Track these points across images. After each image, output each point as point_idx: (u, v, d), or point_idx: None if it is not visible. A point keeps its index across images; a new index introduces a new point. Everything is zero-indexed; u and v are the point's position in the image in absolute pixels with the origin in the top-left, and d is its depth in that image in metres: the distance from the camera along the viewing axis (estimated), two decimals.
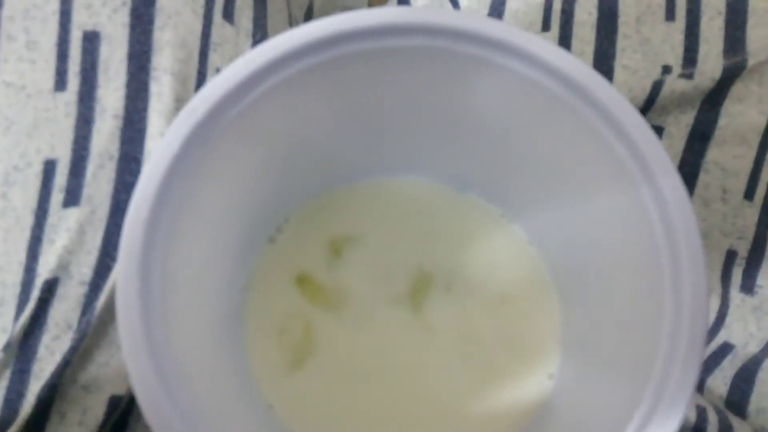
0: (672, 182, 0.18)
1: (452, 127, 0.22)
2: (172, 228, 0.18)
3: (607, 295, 0.21)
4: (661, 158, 0.18)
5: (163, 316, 0.17)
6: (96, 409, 0.21)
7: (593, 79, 0.18)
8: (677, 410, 0.17)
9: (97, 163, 0.23)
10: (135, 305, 0.17)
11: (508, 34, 0.19)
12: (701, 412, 0.23)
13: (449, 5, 0.30)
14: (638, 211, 0.18)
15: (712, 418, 0.23)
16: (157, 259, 0.18)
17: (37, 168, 0.23)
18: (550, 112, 0.19)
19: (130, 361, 0.17)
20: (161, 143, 0.18)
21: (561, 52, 0.19)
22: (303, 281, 0.24)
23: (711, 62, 0.26)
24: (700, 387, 0.25)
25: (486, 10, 0.28)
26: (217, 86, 0.18)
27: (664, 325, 0.17)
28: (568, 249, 0.23)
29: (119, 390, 0.22)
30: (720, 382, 0.25)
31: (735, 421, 0.23)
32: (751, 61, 0.26)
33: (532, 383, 0.23)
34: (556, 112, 0.19)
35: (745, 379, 0.24)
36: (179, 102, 0.24)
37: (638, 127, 0.18)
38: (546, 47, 0.19)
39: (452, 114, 0.22)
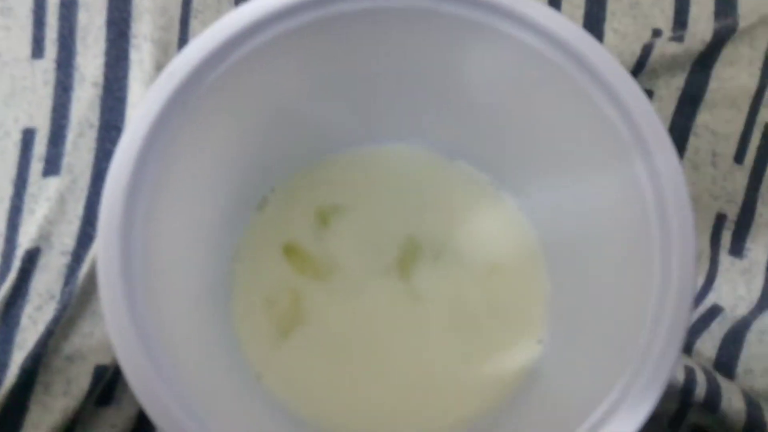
0: (666, 155, 0.18)
1: (442, 93, 0.22)
2: (154, 195, 0.18)
3: (597, 262, 0.21)
4: (656, 130, 0.18)
5: (147, 287, 0.17)
6: (81, 379, 0.21)
7: (592, 47, 0.18)
8: (662, 373, 0.17)
9: (77, 132, 0.23)
10: (116, 274, 0.17)
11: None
12: (690, 373, 0.23)
13: None
14: (631, 181, 0.18)
15: (701, 379, 0.23)
16: (138, 226, 0.17)
17: (16, 137, 0.22)
18: (546, 80, 0.19)
19: (113, 332, 0.17)
20: (140, 108, 0.18)
21: (558, 16, 0.18)
22: (290, 251, 0.23)
23: (701, 25, 0.26)
24: (689, 349, 0.25)
25: None
26: (196, 50, 0.18)
27: (651, 293, 0.17)
28: (559, 217, 0.23)
29: (104, 360, 0.22)
30: (709, 344, 0.25)
31: (723, 381, 0.23)
32: (742, 24, 0.26)
33: (522, 349, 0.23)
34: (551, 80, 0.19)
35: (733, 340, 0.24)
36: (160, 70, 0.23)
37: (636, 98, 0.18)
38: (544, 11, 0.18)
39: (443, 80, 0.22)
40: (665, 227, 0.18)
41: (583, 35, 0.18)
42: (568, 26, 0.18)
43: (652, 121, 0.18)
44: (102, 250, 0.17)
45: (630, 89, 0.18)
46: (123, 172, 0.17)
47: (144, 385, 0.16)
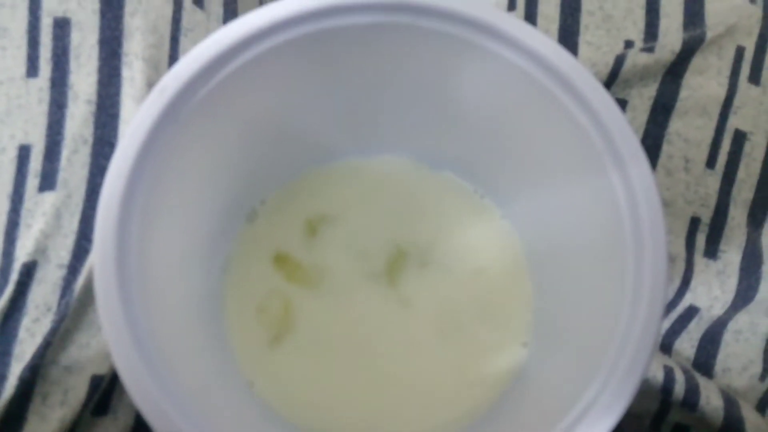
0: (640, 169, 0.18)
1: (428, 106, 0.23)
2: (148, 207, 0.18)
3: (576, 268, 0.22)
4: (629, 139, 0.19)
5: (142, 296, 0.18)
6: (78, 389, 0.22)
7: (567, 62, 0.19)
8: (636, 370, 0.18)
9: (72, 148, 0.23)
10: (113, 284, 0.17)
11: (493, 17, 0.19)
12: (669, 372, 0.24)
13: None
14: (606, 192, 0.19)
15: (679, 378, 0.24)
16: (132, 237, 0.18)
17: (12, 153, 0.23)
18: (525, 93, 0.20)
19: (111, 342, 0.17)
20: (133, 123, 0.18)
21: (536, 33, 0.19)
22: (281, 260, 0.24)
23: (671, 36, 0.27)
24: (669, 349, 0.25)
25: None
26: (186, 65, 0.19)
27: (625, 296, 0.18)
28: (540, 225, 0.24)
29: (100, 369, 0.22)
30: (687, 344, 0.25)
31: (701, 380, 0.24)
32: (709, 34, 0.27)
33: (507, 352, 0.23)
34: (530, 93, 0.20)
35: (711, 340, 0.25)
36: (151, 86, 0.23)
37: (609, 109, 0.19)
38: (522, 28, 0.19)
39: (428, 93, 0.22)
40: (638, 233, 0.18)
41: (559, 51, 0.19)
42: (545, 42, 0.19)
43: (624, 131, 0.19)
44: (98, 261, 0.17)
45: (603, 101, 0.19)
46: (117, 186, 0.18)
47: (142, 390, 0.17)
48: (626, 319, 0.18)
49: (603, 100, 0.19)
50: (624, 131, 0.19)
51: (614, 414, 0.17)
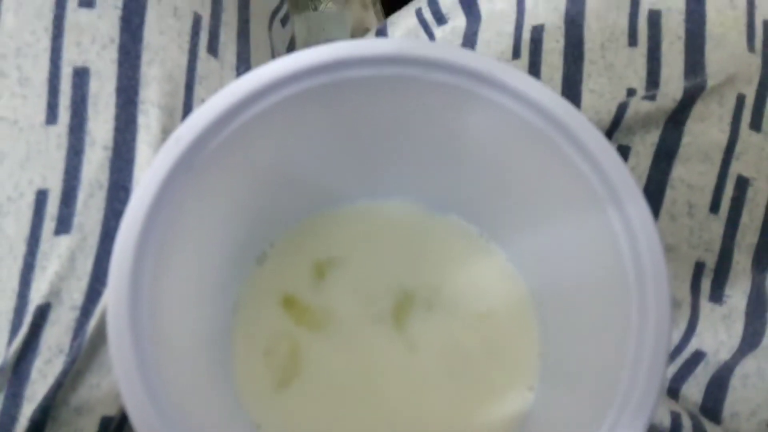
0: (639, 208, 0.19)
1: (434, 152, 0.23)
2: (161, 252, 0.19)
3: (580, 309, 0.22)
4: (629, 185, 0.19)
5: (153, 339, 0.18)
6: (87, 430, 0.22)
7: (570, 114, 0.19)
8: (644, 413, 0.17)
9: (88, 192, 0.23)
10: (125, 328, 0.18)
11: (495, 69, 0.20)
12: (676, 418, 0.24)
13: (424, 36, 0.31)
14: (607, 235, 0.19)
15: (687, 423, 0.24)
16: (145, 281, 0.18)
17: (30, 198, 0.23)
18: (530, 142, 0.20)
19: (122, 382, 0.17)
20: (148, 171, 0.19)
21: (537, 84, 0.20)
22: (289, 303, 0.24)
23: (673, 84, 0.27)
24: (676, 394, 0.25)
25: (459, 41, 0.30)
26: (201, 116, 0.19)
27: (630, 337, 0.18)
28: (545, 267, 0.24)
29: (110, 411, 0.22)
30: (695, 389, 0.25)
31: (709, 426, 0.24)
32: (710, 82, 0.27)
33: (514, 396, 0.23)
34: (535, 142, 0.20)
35: (718, 385, 0.25)
36: (166, 133, 0.24)
37: (609, 157, 0.19)
38: (523, 80, 0.20)
39: (434, 140, 0.23)
40: (640, 274, 0.18)
41: (560, 101, 0.19)
42: (546, 93, 0.20)
43: (624, 177, 0.19)
44: (112, 303, 0.18)
45: (603, 148, 0.19)
46: (132, 231, 0.18)
47: (148, 429, 0.17)
48: (631, 363, 0.18)
49: (603, 147, 0.19)
50: (621, 173, 0.19)
51: None
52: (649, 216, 0.19)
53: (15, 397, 0.21)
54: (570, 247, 0.22)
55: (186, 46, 0.26)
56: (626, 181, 0.19)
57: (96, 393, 0.22)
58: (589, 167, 0.19)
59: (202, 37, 0.26)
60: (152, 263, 0.18)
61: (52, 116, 0.24)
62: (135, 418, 0.17)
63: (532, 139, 0.20)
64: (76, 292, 0.23)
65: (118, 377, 0.17)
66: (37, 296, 0.22)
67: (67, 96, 0.24)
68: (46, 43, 0.25)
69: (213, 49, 0.26)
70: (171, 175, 0.19)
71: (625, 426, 0.17)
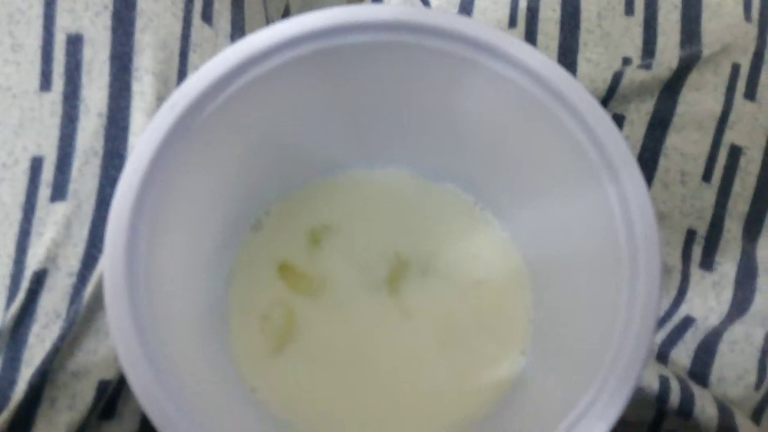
0: (633, 179, 0.19)
1: (430, 121, 0.23)
2: (156, 218, 0.19)
3: (573, 278, 0.22)
4: (624, 156, 0.19)
5: (150, 303, 0.18)
6: (85, 393, 0.22)
7: (569, 84, 0.19)
8: (630, 376, 0.18)
9: (83, 160, 0.23)
10: (122, 292, 0.18)
11: (493, 36, 0.20)
12: (664, 382, 0.24)
13: (419, 3, 0.31)
14: (602, 205, 0.19)
15: (675, 387, 0.24)
16: (141, 247, 0.18)
17: (25, 165, 0.23)
18: (527, 111, 0.20)
19: (120, 348, 0.17)
20: (143, 137, 0.19)
21: (535, 52, 0.20)
22: (285, 269, 0.24)
23: (668, 53, 0.27)
24: (665, 359, 0.26)
25: (455, 9, 0.29)
26: (196, 81, 0.19)
27: (621, 305, 0.19)
28: (539, 236, 0.24)
29: (107, 375, 0.22)
30: (683, 354, 0.25)
31: (696, 389, 0.24)
32: (705, 52, 0.27)
33: (506, 361, 0.23)
34: (532, 112, 0.20)
35: (706, 350, 0.25)
36: (161, 101, 0.24)
37: (607, 129, 0.19)
38: (528, 51, 0.20)
39: (430, 109, 0.23)
40: (633, 244, 0.19)
41: (556, 69, 0.19)
42: (543, 60, 0.20)
43: (619, 145, 0.19)
44: (108, 268, 0.18)
45: (598, 116, 0.19)
46: (127, 197, 0.18)
47: (149, 396, 0.17)
48: (621, 329, 0.18)
49: (598, 115, 0.19)
50: (619, 145, 0.19)
51: (607, 421, 0.17)
52: (644, 186, 0.19)
53: (13, 361, 0.22)
54: (565, 217, 0.22)
55: (180, 14, 0.25)
56: (622, 153, 0.19)
57: (93, 358, 0.22)
58: (586, 137, 0.19)
59: (197, 5, 0.26)
60: (148, 229, 0.19)
61: (46, 83, 0.24)
62: (134, 382, 0.17)
63: (530, 109, 0.20)
64: (72, 258, 0.23)
65: (116, 343, 0.17)
66: (33, 262, 0.22)
67: (60, 63, 0.24)
68: (38, 9, 0.24)
69: (207, 16, 0.26)
70: (166, 141, 0.19)
71: (611, 390, 0.18)
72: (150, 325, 0.18)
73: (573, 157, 0.20)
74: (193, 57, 0.25)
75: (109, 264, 0.18)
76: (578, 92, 0.19)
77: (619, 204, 0.19)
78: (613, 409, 0.18)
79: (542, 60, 0.20)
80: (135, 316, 0.18)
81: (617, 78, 0.27)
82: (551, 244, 0.23)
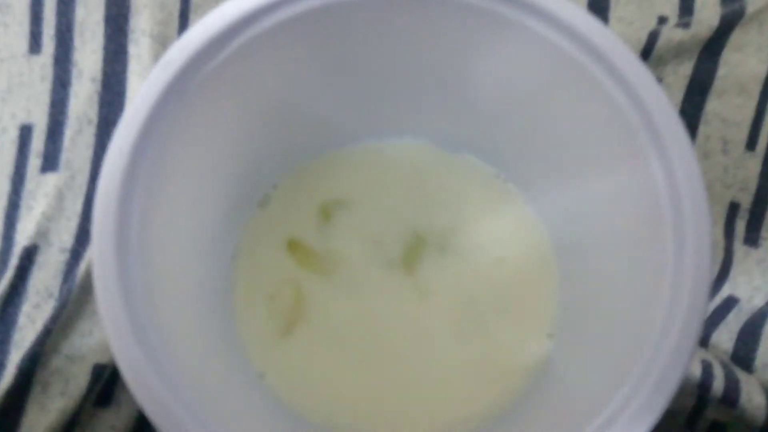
0: (681, 149, 0.17)
1: (448, 85, 0.22)
2: (151, 190, 0.18)
3: (608, 256, 0.21)
4: (671, 122, 0.17)
5: (145, 285, 0.17)
6: (79, 378, 0.21)
7: (607, 39, 0.18)
8: (677, 368, 0.17)
9: (75, 128, 0.23)
10: (112, 272, 0.17)
11: None
12: (707, 367, 0.23)
13: None
14: (643, 177, 0.18)
15: (719, 373, 0.23)
16: (134, 222, 0.17)
17: (13, 133, 0.22)
18: (558, 71, 0.19)
19: (111, 333, 0.16)
20: (136, 98, 0.17)
21: (577, 9, 0.18)
22: (293, 247, 0.23)
23: (708, 10, 0.26)
24: (706, 342, 0.25)
25: None
26: (193, 38, 0.18)
27: (664, 287, 0.17)
28: (567, 211, 0.23)
29: (103, 359, 0.22)
30: (725, 336, 0.24)
31: (742, 375, 0.23)
32: (750, 9, 0.26)
33: (530, 345, 0.23)
34: (564, 71, 0.19)
35: (751, 332, 0.24)
36: None
37: (651, 90, 0.18)
38: (563, 4, 0.18)
39: (449, 71, 0.21)
40: (679, 220, 0.17)
41: (592, 22, 0.18)
42: (576, 12, 0.18)
43: (663, 107, 0.18)
44: (97, 247, 0.17)
45: (639, 74, 0.18)
46: (118, 165, 0.17)
47: (142, 383, 0.16)
48: (665, 313, 0.17)
49: (639, 73, 0.18)
50: (663, 107, 0.18)
51: (652, 415, 0.16)
52: (692, 154, 0.17)
53: (2, 344, 0.21)
54: (598, 189, 0.21)
55: None
56: (667, 115, 0.18)
57: (88, 340, 0.22)
58: (625, 97, 0.18)
59: None
60: (142, 202, 0.18)
61: (35, 45, 0.23)
62: (125, 370, 0.16)
63: (561, 67, 0.19)
64: (65, 234, 0.22)
65: (107, 329, 0.16)
66: (23, 237, 0.22)
67: (51, 24, 0.23)
68: None
69: None
70: (161, 102, 0.18)
71: (655, 381, 0.17)
72: (144, 308, 0.17)
73: (609, 121, 0.19)
74: (193, 18, 0.24)
75: (97, 240, 0.17)
76: (616, 46, 0.18)
77: (663, 173, 0.18)
78: (658, 401, 0.16)
79: (574, 11, 0.18)
80: (127, 297, 0.17)
81: (652, 38, 0.25)
82: (582, 218, 0.22)
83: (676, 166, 0.17)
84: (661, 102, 0.18)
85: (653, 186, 0.18)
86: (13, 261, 0.21)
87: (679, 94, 0.26)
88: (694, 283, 0.17)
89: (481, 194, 0.24)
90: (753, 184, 0.26)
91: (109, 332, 0.16)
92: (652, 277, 0.18)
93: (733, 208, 0.26)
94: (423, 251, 0.23)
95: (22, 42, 0.23)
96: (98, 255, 0.17)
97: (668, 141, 0.17)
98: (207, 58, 0.18)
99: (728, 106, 0.26)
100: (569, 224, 0.23)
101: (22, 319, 0.21)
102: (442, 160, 0.24)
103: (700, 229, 0.17)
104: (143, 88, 0.18)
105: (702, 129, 0.25)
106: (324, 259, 0.23)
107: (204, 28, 0.18)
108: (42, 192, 0.22)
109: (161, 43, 0.24)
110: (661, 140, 0.17)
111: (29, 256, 0.21)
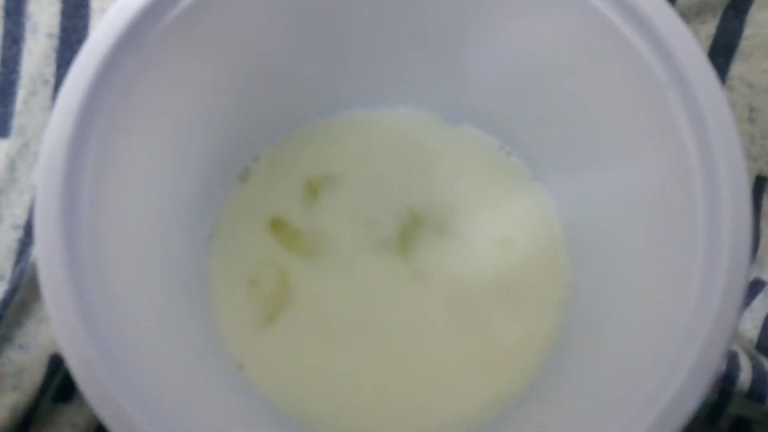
0: (715, 107, 0.16)
1: (448, 49, 0.21)
2: (105, 155, 0.16)
3: (624, 238, 0.20)
4: (705, 78, 0.16)
5: (99, 271, 0.16)
6: (33, 370, 0.20)
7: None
8: (709, 365, 0.15)
9: (29, 89, 0.21)
10: (58, 253, 0.15)
11: None
12: (732, 358, 0.22)
13: None
14: (670, 142, 0.17)
15: (745, 365, 0.22)
16: (84, 196, 0.16)
17: None
18: (582, 29, 0.18)
19: (57, 325, 0.15)
20: (86, 45, 0.16)
21: None
22: (277, 226, 0.22)
23: None
24: None
25: None
26: None
27: (694, 273, 0.16)
28: (578, 186, 0.22)
29: None
30: (750, 324, 0.23)
31: None
32: None
33: (536, 334, 0.22)
34: (590, 29, 0.17)
35: None
36: None
37: (682, 40, 0.16)
38: None
39: (449, 34, 0.20)
40: (713, 193, 0.16)
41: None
42: None
43: (696, 60, 0.16)
44: (40, 222, 0.15)
45: (668, 21, 0.16)
46: (65, 126, 0.16)
47: (94, 384, 0.15)
48: (694, 302, 0.16)
49: (668, 19, 0.16)
50: (695, 60, 0.16)
51: (685, 412, 0.15)
52: (728, 113, 0.16)
53: None
54: (620, 162, 0.20)
55: None
56: (700, 69, 0.16)
57: (44, 327, 0.21)
58: (651, 50, 0.17)
59: None
60: (93, 170, 0.16)
61: None
62: (79, 376, 0.15)
63: (584, 22, 0.17)
64: (17, 208, 0.21)
65: (52, 319, 0.15)
66: None
67: None
68: None
69: None
70: (115, 51, 0.16)
71: (688, 373, 0.15)
72: (100, 296, 0.16)
73: (631, 80, 0.17)
74: None
75: (40, 215, 0.15)
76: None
77: (699, 152, 0.16)
78: (691, 397, 0.15)
79: None
80: (77, 285, 0.15)
81: None
82: (596, 194, 0.21)
83: (710, 129, 0.16)
84: (689, 45, 0.16)
85: (683, 156, 0.17)
86: None
87: None
88: (730, 265, 0.16)
89: (483, 169, 0.23)
90: None
91: (55, 327, 0.15)
92: (681, 260, 0.16)
93: (760, 182, 0.24)
94: (420, 232, 0.23)
95: None
96: (42, 235, 0.15)
97: (698, 91, 0.16)
98: (168, 3, 0.17)
99: (755, 70, 0.24)
100: (581, 199, 0.22)
101: None
102: (441, 132, 0.24)
103: (738, 201, 0.16)
104: (95, 33, 0.16)
105: (726, 95, 0.23)
106: (310, 240, 0.22)
107: None
108: None
109: None
110: (690, 92, 0.16)
111: None
